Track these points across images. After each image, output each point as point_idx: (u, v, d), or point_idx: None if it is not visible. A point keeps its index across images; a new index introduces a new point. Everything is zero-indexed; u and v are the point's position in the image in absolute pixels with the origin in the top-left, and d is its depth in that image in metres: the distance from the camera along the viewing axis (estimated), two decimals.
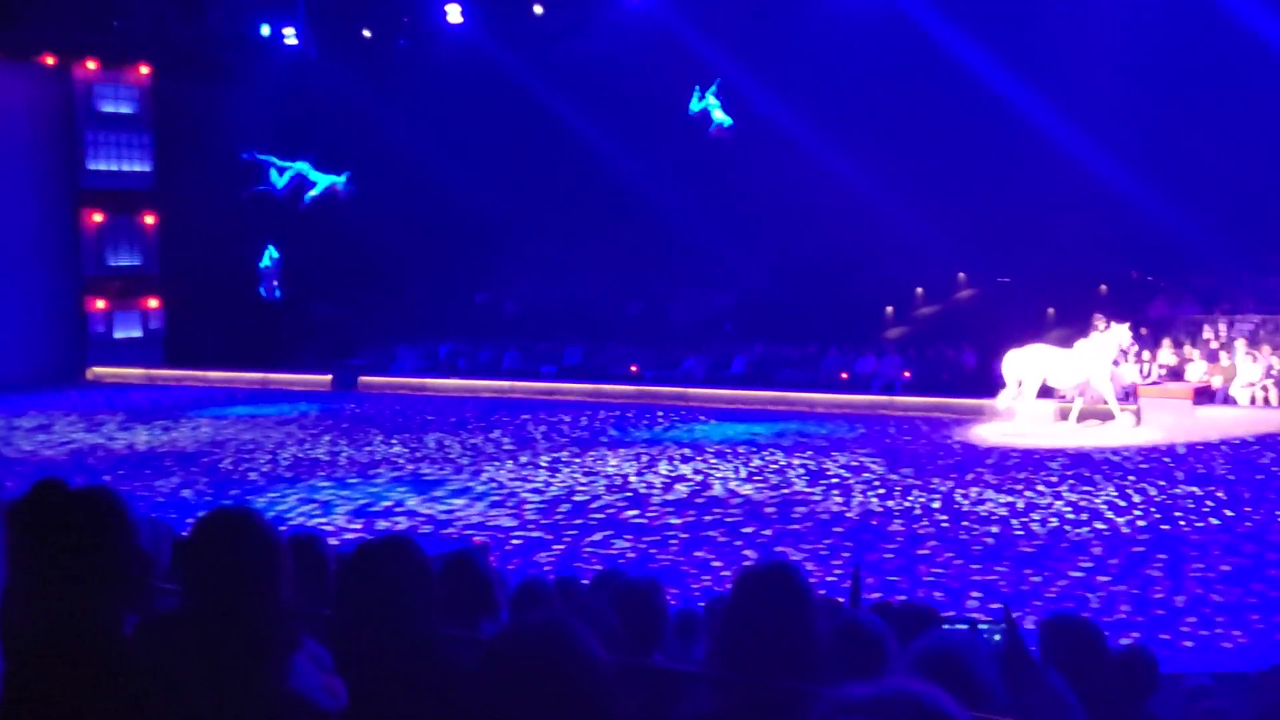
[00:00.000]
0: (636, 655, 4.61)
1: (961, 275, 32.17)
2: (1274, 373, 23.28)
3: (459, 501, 17.05)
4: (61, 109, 33.12)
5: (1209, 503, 16.13)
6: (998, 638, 4.74)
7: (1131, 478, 17.83)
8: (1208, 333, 25.74)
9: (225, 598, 3.24)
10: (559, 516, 16.06)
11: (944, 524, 15.15)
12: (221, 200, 33.91)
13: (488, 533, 14.92)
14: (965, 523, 15.16)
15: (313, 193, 34.24)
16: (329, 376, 30.92)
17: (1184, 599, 11.87)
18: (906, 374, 27.35)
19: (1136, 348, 23.83)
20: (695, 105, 31.08)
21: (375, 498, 17.38)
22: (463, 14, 32.36)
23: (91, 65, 33.23)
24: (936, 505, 16.19)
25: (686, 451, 20.69)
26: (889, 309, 31.40)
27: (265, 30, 33.56)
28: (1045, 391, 22.54)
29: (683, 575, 12.85)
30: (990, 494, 16.78)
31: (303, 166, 34.76)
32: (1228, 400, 23.12)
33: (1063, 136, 28.69)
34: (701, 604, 8.15)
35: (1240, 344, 24.22)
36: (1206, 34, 27.08)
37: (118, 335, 33.97)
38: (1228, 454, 19.76)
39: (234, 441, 22.54)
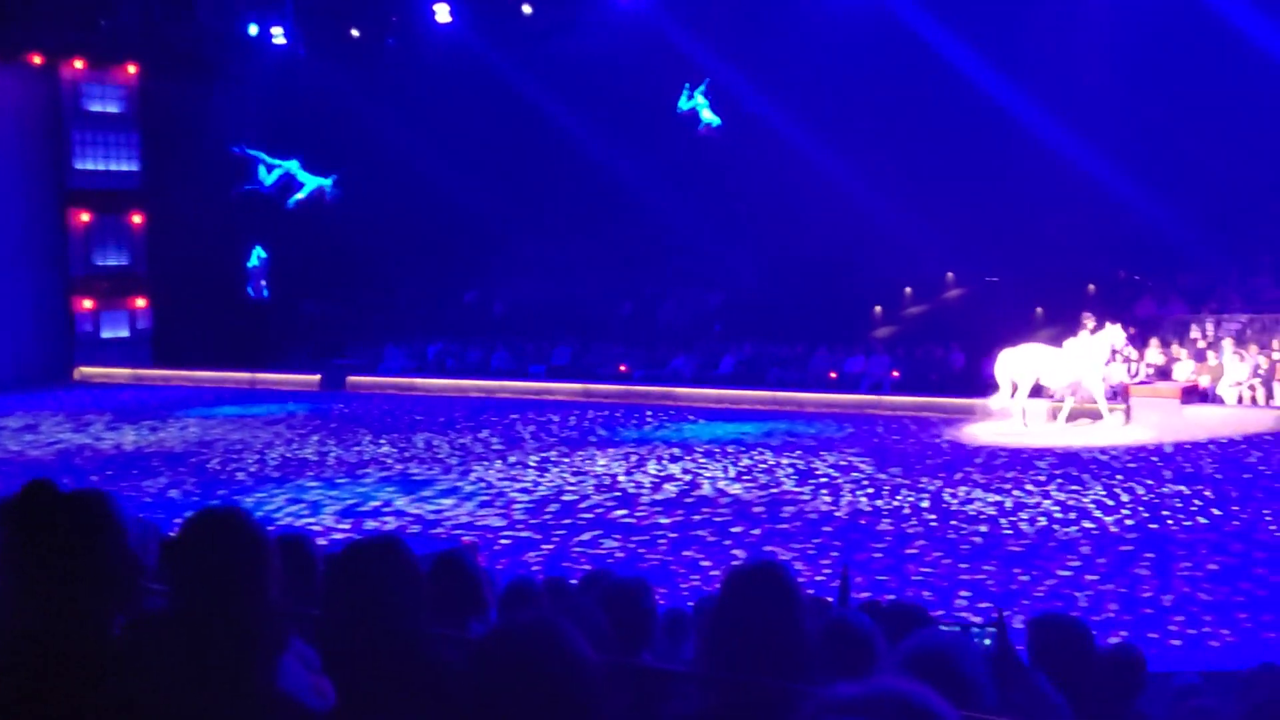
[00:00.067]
0: (625, 655, 4.61)
1: (950, 275, 32.18)
2: (1261, 372, 23.34)
3: (447, 501, 17.04)
4: (49, 108, 33.03)
5: (1197, 502, 16.17)
6: (988, 641, 4.74)
7: (1119, 477, 17.86)
8: (1195, 332, 25.78)
9: (213, 598, 3.23)
10: (547, 516, 16.06)
11: (932, 523, 15.17)
12: (209, 200, 33.81)
13: (476, 532, 14.92)
14: (954, 522, 15.19)
15: (299, 195, 34.19)
16: (317, 376, 30.89)
17: (1172, 598, 11.90)
18: (895, 373, 27.38)
19: (1133, 351, 23.87)
20: (684, 103, 31.07)
21: (363, 498, 17.36)
22: (451, 13, 32.31)
23: (79, 64, 33.13)
24: (925, 504, 16.21)
25: (675, 451, 20.69)
26: (877, 308, 31.41)
27: (253, 29, 33.48)
28: (1035, 390, 22.58)
29: (671, 575, 12.86)
30: (979, 493, 16.81)
31: (292, 166, 34.69)
32: (1215, 399, 23.18)
33: (1050, 136, 28.73)
34: (690, 603, 8.16)
35: (1227, 343, 24.27)
36: (1195, 34, 27.11)
37: (105, 335, 33.89)
38: (1215, 453, 19.80)
39: (222, 441, 22.50)
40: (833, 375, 28.06)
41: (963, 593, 12.07)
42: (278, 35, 33.34)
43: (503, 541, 14.67)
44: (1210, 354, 24.42)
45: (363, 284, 35.00)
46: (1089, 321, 22.78)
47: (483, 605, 5.26)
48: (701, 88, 31.00)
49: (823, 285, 30.81)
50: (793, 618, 3.36)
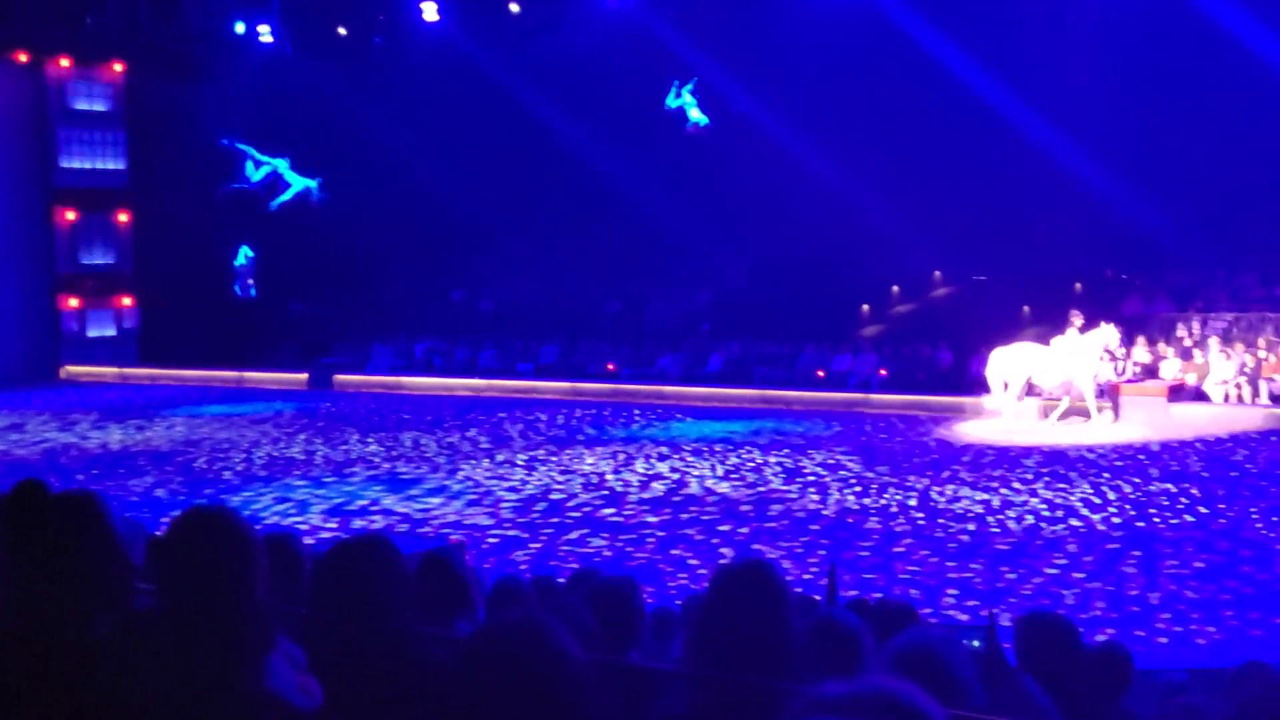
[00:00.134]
0: (613, 653, 4.61)
1: (937, 273, 32.25)
2: (1247, 370, 23.41)
3: (435, 500, 17.02)
4: (34, 106, 32.90)
5: (1183, 500, 16.21)
6: (977, 643, 4.75)
7: (1106, 475, 17.90)
8: (1182, 330, 25.87)
9: (200, 597, 3.22)
10: (535, 515, 16.04)
11: (920, 521, 15.18)
12: (196, 198, 33.71)
13: (464, 531, 14.89)
14: (941, 520, 15.20)
15: (284, 196, 34.12)
16: (304, 375, 30.82)
17: (1159, 596, 11.92)
18: (883, 372, 27.41)
19: (1120, 349, 23.92)
20: (672, 101, 31.09)
21: (351, 496, 17.33)
22: (439, 11, 32.30)
23: (65, 62, 33.01)
24: (912, 503, 16.23)
25: (663, 450, 20.69)
26: (865, 307, 31.45)
27: (240, 28, 33.44)
28: (1027, 389, 22.62)
29: (659, 573, 12.85)
30: (966, 491, 16.83)
31: (280, 165, 34.64)
32: (1202, 398, 23.24)
33: (1038, 135, 28.82)
34: (678, 602, 8.17)
35: (1214, 342, 24.34)
36: (1183, 34, 27.21)
37: (91, 334, 33.78)
38: (1202, 451, 19.86)
39: (209, 440, 22.45)
40: (820, 374, 28.09)
41: (950, 591, 12.08)
42: (264, 33, 33.31)
43: (490, 540, 14.65)
44: (1197, 352, 24.50)
45: (350, 283, 34.92)
46: (1077, 319, 22.82)
47: (470, 604, 5.25)
48: (689, 86, 31.02)
49: (810, 284, 30.85)
50: (780, 616, 3.36)
